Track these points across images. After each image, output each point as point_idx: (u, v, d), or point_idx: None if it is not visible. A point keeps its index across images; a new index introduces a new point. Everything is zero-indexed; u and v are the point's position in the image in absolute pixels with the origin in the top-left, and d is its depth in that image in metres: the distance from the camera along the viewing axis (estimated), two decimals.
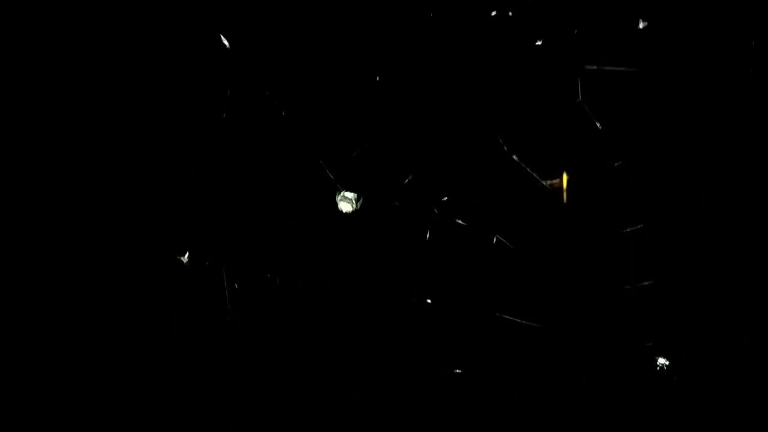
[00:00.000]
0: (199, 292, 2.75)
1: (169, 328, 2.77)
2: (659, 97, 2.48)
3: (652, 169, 2.51)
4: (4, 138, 2.75)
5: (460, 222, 2.61)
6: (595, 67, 2.47)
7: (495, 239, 2.58)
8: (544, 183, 2.54)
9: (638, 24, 2.43)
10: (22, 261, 2.78)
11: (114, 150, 2.75)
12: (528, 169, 2.55)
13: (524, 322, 2.60)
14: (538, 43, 2.49)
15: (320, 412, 2.72)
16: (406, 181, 2.61)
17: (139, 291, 2.77)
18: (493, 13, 2.51)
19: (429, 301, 2.64)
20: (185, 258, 2.74)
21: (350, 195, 2.63)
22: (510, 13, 2.50)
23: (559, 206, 2.54)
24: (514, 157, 2.54)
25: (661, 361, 2.50)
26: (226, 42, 2.61)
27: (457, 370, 2.63)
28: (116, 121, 2.74)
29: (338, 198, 2.64)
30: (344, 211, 2.63)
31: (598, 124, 2.48)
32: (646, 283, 2.51)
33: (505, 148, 2.53)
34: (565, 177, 2.52)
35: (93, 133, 2.74)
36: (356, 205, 2.63)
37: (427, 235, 2.60)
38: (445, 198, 2.61)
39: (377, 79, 2.59)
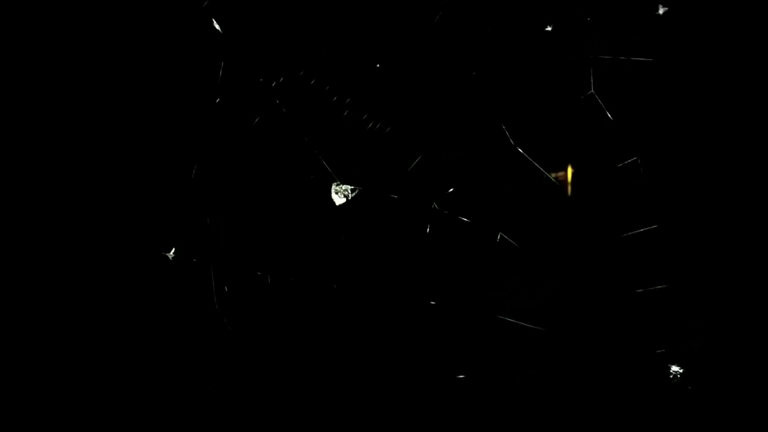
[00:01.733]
0: (186, 291, 2.60)
1: (156, 326, 2.63)
2: (675, 89, 2.37)
3: (664, 165, 2.40)
4: None
5: (463, 219, 2.48)
6: (609, 57, 2.35)
7: (499, 237, 2.46)
8: (549, 176, 2.45)
9: (658, 9, 2.30)
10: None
11: (101, 143, 2.62)
12: (533, 162, 2.43)
13: (529, 325, 2.46)
14: (548, 29, 2.36)
15: (313, 414, 2.58)
16: (408, 169, 2.48)
17: (124, 287, 2.63)
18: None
19: (432, 303, 2.50)
20: (171, 254, 2.59)
21: (346, 187, 2.50)
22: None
23: (564, 199, 2.45)
24: (519, 149, 2.42)
25: (675, 369, 2.37)
26: (217, 26, 2.47)
27: (460, 375, 2.50)
28: (105, 115, 2.61)
29: (333, 190, 2.50)
30: (338, 204, 2.50)
31: (610, 115, 2.36)
32: (659, 287, 2.38)
33: (512, 142, 2.41)
34: (570, 170, 2.45)
35: (79, 125, 2.62)
36: (351, 197, 2.49)
37: (427, 230, 2.47)
38: (449, 190, 2.49)
39: (377, 66, 2.46)
